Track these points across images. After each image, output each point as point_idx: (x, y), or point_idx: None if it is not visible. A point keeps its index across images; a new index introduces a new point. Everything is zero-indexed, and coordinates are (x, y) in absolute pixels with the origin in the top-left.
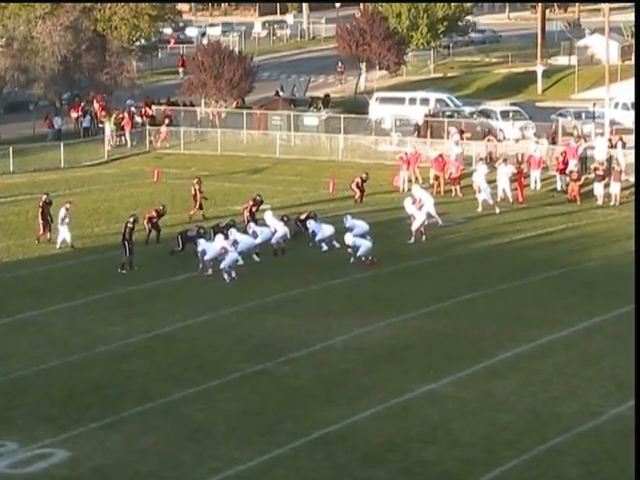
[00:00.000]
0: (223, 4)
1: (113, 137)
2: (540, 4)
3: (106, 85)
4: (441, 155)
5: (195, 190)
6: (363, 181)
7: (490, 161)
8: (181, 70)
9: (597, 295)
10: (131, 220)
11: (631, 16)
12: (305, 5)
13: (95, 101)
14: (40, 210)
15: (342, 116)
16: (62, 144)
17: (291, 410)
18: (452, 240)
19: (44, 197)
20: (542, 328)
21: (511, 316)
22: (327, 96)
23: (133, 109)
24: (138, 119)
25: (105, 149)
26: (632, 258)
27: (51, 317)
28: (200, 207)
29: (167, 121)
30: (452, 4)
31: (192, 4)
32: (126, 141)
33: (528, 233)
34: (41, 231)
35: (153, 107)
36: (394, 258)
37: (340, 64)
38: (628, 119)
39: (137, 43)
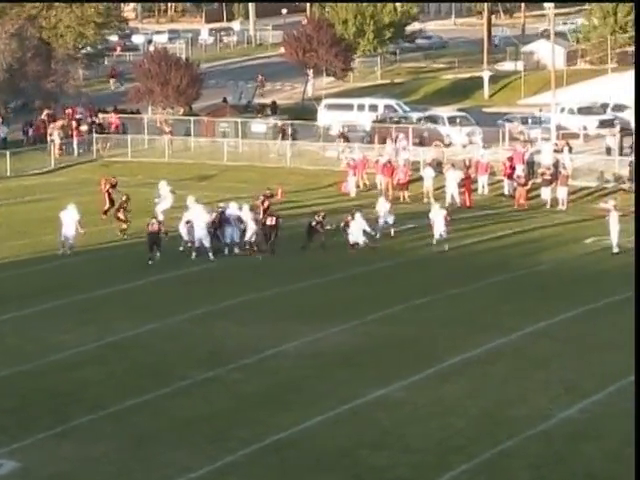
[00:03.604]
0: (169, 12)
1: (58, 146)
2: (486, 10)
3: (51, 93)
4: (389, 161)
5: (106, 190)
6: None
7: (438, 166)
8: (112, 81)
9: (547, 299)
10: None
11: (577, 21)
12: (252, 12)
13: (66, 111)
14: None
15: (290, 122)
16: (8, 153)
17: (242, 417)
18: (403, 246)
19: None
20: (492, 333)
21: (462, 321)
22: (274, 103)
23: (80, 116)
24: (84, 127)
25: (52, 158)
26: (580, 261)
27: (2, 326)
28: (108, 208)
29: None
30: (398, 11)
31: (138, 11)
32: (73, 149)
33: (477, 238)
34: None
35: (100, 115)
36: (346, 264)
37: (261, 77)
38: (574, 124)
39: (83, 51)
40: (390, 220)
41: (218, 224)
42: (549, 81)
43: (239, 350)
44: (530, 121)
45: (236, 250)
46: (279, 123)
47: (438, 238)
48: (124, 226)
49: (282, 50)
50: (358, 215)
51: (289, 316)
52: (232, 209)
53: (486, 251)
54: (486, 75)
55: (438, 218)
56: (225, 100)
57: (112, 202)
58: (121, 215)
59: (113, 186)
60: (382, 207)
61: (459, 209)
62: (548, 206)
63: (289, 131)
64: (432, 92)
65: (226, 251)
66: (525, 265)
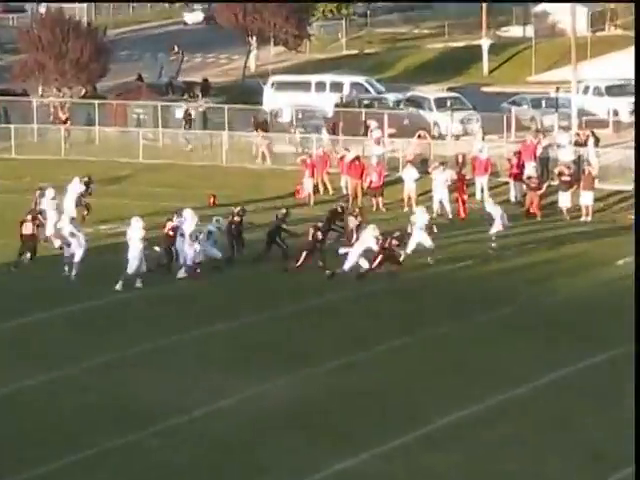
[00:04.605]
0: None
1: None
2: None
3: None
4: (358, 157)
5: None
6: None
7: (422, 165)
8: None
9: (563, 339)
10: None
11: None
12: None
13: None
14: None
15: (226, 107)
16: None
17: None
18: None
19: None
20: (492, 384)
21: (451, 368)
22: (206, 81)
23: None
24: None
25: None
26: (608, 290)
27: None
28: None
29: None
30: None
31: None
32: None
33: (472, 259)
34: None
35: None
36: (297, 294)
37: (176, 48)
38: (601, 108)
39: None
40: (427, 242)
41: (172, 240)
42: (568, 52)
43: (160, 408)
44: (544, 104)
45: (180, 274)
46: (205, 106)
47: (416, 248)
48: None
49: (215, 11)
50: (370, 229)
51: (223, 363)
52: (187, 220)
53: (484, 276)
54: (485, 44)
55: (420, 222)
56: (140, 78)
57: None
58: None
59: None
60: (420, 219)
61: (450, 221)
62: (567, 216)
63: (226, 118)
64: (414, 66)
65: (180, 273)
66: (535, 294)
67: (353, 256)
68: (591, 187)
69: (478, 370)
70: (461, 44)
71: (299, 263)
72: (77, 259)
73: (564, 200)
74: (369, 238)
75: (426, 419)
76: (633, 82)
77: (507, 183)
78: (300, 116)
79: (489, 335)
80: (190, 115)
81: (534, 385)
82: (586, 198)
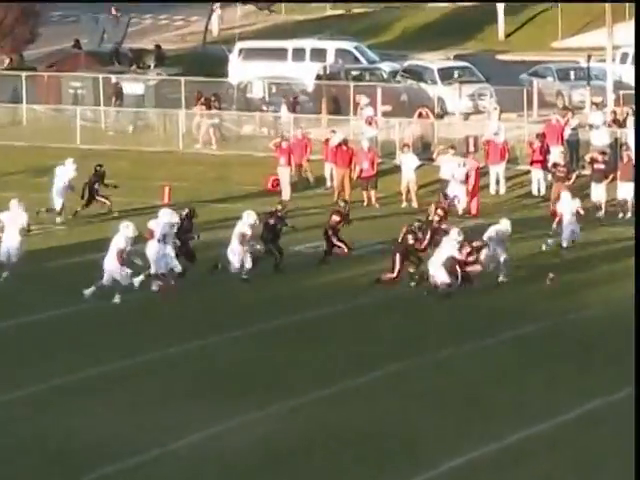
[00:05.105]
0: None
1: None
2: None
3: None
4: (345, 141)
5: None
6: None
7: (425, 150)
8: None
9: (596, 364)
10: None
11: None
12: None
13: None
14: None
15: (183, 80)
16: None
17: None
18: (365, 279)
19: None
20: (511, 418)
21: (462, 400)
22: (159, 48)
23: None
24: None
25: None
26: None
27: None
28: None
29: None
30: None
31: None
32: None
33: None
34: None
35: None
36: (273, 308)
37: (113, 8)
38: None
39: None
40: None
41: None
42: (602, 12)
43: (102, 450)
44: (573, 76)
45: (154, 287)
46: (158, 78)
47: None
48: None
49: None
50: (454, 232)
51: (184, 393)
52: (164, 217)
53: (499, 287)
54: (501, 3)
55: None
56: (78, 44)
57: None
58: None
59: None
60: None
61: (460, 217)
62: (602, 212)
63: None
64: (414, 30)
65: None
66: (560, 311)
67: (438, 268)
68: (631, 177)
69: (493, 402)
70: (471, 2)
71: (395, 274)
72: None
73: (598, 193)
74: (451, 245)
75: (431, 461)
76: None
77: (528, 172)
78: (274, 90)
79: (505, 359)
80: (120, 89)
81: (562, 419)
82: (625, 191)
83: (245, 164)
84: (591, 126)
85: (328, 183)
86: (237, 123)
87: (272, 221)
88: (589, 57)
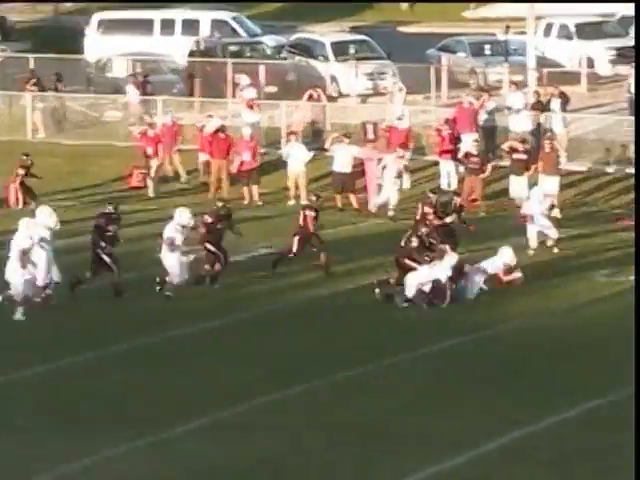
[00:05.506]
0: None
1: None
2: None
3: None
4: (222, 128)
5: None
6: None
7: (315, 138)
8: None
9: (514, 387)
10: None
11: None
12: None
13: None
14: None
15: (32, 57)
16: None
17: None
18: (246, 291)
19: None
20: (418, 452)
21: (362, 432)
22: (3, 19)
23: None
24: None
25: None
26: (586, 317)
27: None
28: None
29: None
30: None
31: None
32: None
33: (369, 275)
34: None
35: None
36: (141, 322)
37: None
38: (570, 54)
39: None
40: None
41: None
42: None
43: None
44: (488, 51)
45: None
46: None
47: None
48: None
49: None
50: (452, 258)
51: (27, 425)
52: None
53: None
54: None
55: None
56: None
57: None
58: None
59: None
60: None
61: (351, 215)
62: (525, 210)
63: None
64: None
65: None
66: (474, 325)
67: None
68: (555, 170)
69: (404, 433)
70: None
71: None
72: None
73: (518, 187)
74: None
75: None
76: (613, 19)
77: (437, 164)
78: (139, 69)
79: (410, 382)
80: None
81: (481, 452)
82: (549, 184)
83: (104, 154)
84: (510, 109)
85: (202, 176)
86: (95, 108)
87: (211, 220)
88: (507, 29)
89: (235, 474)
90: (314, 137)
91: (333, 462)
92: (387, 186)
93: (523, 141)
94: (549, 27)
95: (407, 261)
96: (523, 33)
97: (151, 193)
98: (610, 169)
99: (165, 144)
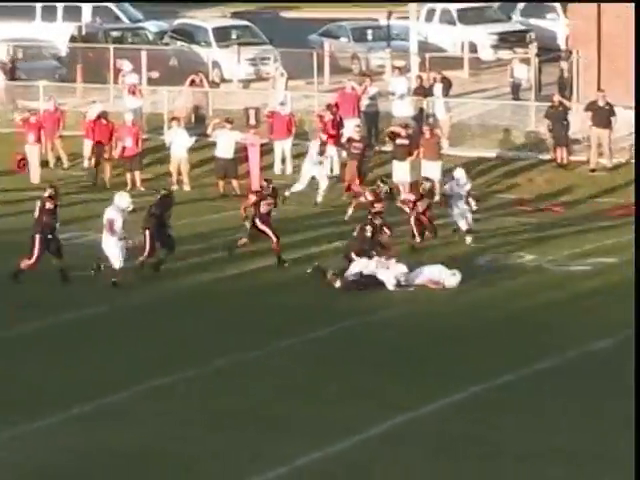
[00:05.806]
0: None
1: None
2: None
3: None
4: (104, 114)
5: None
6: None
7: (197, 124)
8: None
9: (391, 374)
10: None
11: None
12: None
13: None
14: None
15: None
16: None
17: None
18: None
19: None
20: (305, 437)
21: (251, 417)
22: None
23: None
24: None
25: None
26: (467, 303)
27: None
28: None
29: None
30: None
31: None
32: None
33: (256, 262)
34: None
35: None
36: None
37: None
38: (452, 39)
39: None
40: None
41: None
42: None
43: None
44: (370, 36)
45: None
46: None
47: None
48: None
49: None
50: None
51: None
52: None
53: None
54: None
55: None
56: None
57: None
58: None
59: None
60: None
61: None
62: (404, 196)
63: None
64: None
65: None
66: (354, 311)
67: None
68: (437, 155)
69: (290, 418)
70: None
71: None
72: None
73: (401, 173)
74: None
75: None
76: (495, 5)
77: (296, 145)
78: (20, 55)
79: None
80: None
81: (362, 438)
82: (431, 170)
83: None
84: (393, 94)
85: (86, 163)
86: None
87: (154, 209)
88: (389, 14)
89: (118, 461)
90: (196, 123)
91: (217, 448)
92: (304, 173)
93: (406, 126)
94: (431, 12)
95: (354, 256)
96: (406, 18)
97: (34, 179)
98: (491, 153)
99: (47, 130)
